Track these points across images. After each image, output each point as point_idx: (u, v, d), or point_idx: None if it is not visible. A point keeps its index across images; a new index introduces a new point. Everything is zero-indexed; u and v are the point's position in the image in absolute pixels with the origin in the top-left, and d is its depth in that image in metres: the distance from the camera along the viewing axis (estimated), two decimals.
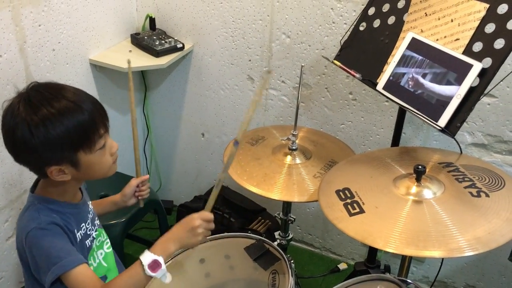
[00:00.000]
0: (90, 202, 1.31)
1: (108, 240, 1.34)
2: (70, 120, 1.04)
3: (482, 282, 2.06)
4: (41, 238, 1.09)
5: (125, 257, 2.11)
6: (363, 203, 1.23)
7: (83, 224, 1.22)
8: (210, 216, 1.18)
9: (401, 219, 1.16)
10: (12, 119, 1.04)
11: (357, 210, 1.22)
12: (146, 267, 1.07)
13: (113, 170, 1.19)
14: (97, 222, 1.31)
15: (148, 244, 2.32)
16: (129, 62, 1.40)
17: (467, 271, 2.07)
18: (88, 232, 1.24)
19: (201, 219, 1.15)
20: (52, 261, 1.07)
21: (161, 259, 1.08)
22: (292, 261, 1.41)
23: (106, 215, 1.45)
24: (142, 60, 2.02)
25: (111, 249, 1.34)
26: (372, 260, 1.89)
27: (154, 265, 1.08)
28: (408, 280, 1.17)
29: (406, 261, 1.43)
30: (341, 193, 1.29)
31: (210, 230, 1.18)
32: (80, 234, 1.19)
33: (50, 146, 1.04)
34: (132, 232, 2.36)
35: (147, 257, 1.08)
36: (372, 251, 1.88)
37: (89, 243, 1.24)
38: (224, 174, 1.20)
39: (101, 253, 1.29)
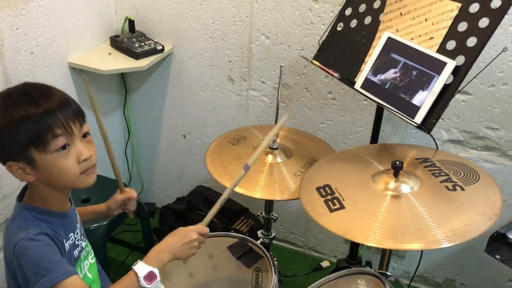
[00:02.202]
0: (76, 212, 1.29)
1: (91, 250, 1.31)
2: (19, 111, 1.01)
3: (461, 275, 2.11)
4: (29, 249, 1.05)
5: (108, 260, 2.10)
6: (343, 199, 1.26)
7: (72, 234, 1.19)
8: (207, 230, 1.19)
9: (380, 214, 1.19)
10: None
11: (338, 206, 1.24)
12: (141, 279, 1.05)
13: (86, 182, 1.12)
14: (83, 232, 1.29)
15: (131, 248, 2.33)
16: (85, 80, 1.30)
17: (446, 265, 2.11)
18: (77, 242, 1.21)
19: (198, 232, 1.16)
20: (41, 273, 1.03)
21: (156, 271, 1.07)
22: (275, 259, 1.42)
23: (87, 222, 1.43)
24: (122, 63, 2.01)
25: (94, 259, 1.31)
26: (354, 256, 1.92)
27: (150, 277, 1.06)
28: (387, 273, 1.20)
29: (386, 256, 1.46)
30: (321, 190, 1.31)
31: (202, 243, 1.19)
32: (69, 244, 1.16)
33: (1, 137, 1.03)
34: (114, 235, 2.35)
35: (142, 268, 1.06)
36: (354, 248, 1.91)
37: (77, 254, 1.21)
38: (228, 193, 1.22)
39: (87, 264, 1.26)
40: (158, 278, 1.07)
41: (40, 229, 1.08)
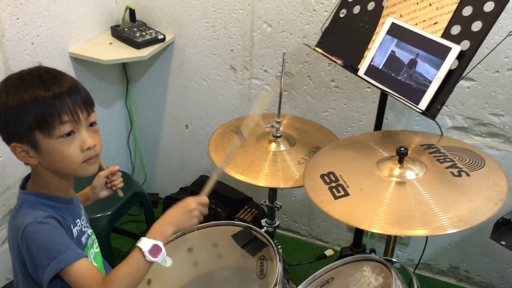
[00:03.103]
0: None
1: (96, 240, 1.32)
2: (28, 93, 1.01)
3: (465, 262, 2.11)
4: (38, 233, 1.05)
5: (112, 250, 2.11)
6: (348, 186, 1.25)
7: (78, 220, 1.19)
8: (206, 200, 1.18)
9: (385, 200, 1.18)
10: None
11: (342, 193, 1.23)
12: (146, 253, 1.04)
13: (87, 171, 1.11)
14: (88, 219, 1.29)
15: (135, 238, 2.33)
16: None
17: (450, 252, 2.11)
18: (83, 229, 1.21)
19: (197, 202, 1.15)
20: (51, 256, 1.02)
21: (160, 244, 1.06)
22: (279, 247, 1.42)
23: (91, 213, 1.43)
24: (123, 52, 2.00)
25: (98, 249, 1.31)
26: (358, 244, 1.92)
27: (155, 250, 1.05)
28: (393, 259, 1.20)
29: (390, 243, 1.46)
30: (325, 177, 1.30)
31: (204, 214, 1.18)
32: (76, 230, 1.16)
33: (8, 116, 1.03)
34: (118, 225, 2.35)
35: (146, 243, 1.06)
36: (358, 236, 1.91)
37: (85, 240, 1.21)
38: (225, 162, 1.20)
39: (92, 253, 1.27)
40: (163, 251, 1.07)
41: (48, 213, 1.08)
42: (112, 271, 1.08)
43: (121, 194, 1.41)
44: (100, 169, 1.32)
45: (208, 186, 1.22)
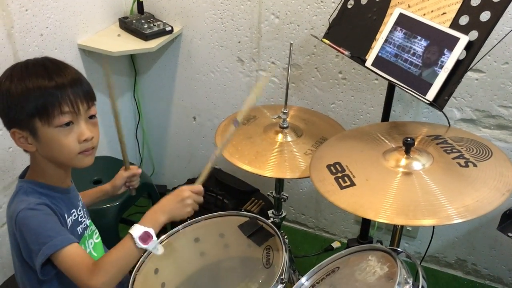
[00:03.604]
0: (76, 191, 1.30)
1: (96, 230, 1.33)
2: (32, 82, 1.04)
3: (473, 255, 2.10)
4: (30, 218, 1.06)
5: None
6: (354, 176, 1.25)
7: (74, 210, 1.20)
8: (200, 188, 1.19)
9: (391, 191, 1.18)
10: None
11: (348, 183, 1.23)
12: (137, 240, 1.04)
13: (82, 162, 1.13)
14: (86, 210, 1.30)
15: None
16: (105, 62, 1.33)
17: (458, 245, 2.11)
18: (80, 219, 1.23)
19: (190, 190, 1.16)
20: (42, 241, 1.04)
21: (151, 231, 1.07)
22: (286, 237, 1.43)
23: (98, 204, 1.46)
24: (131, 44, 2.01)
25: (99, 239, 1.33)
26: (365, 236, 1.92)
27: (145, 237, 1.06)
28: (398, 249, 1.20)
29: (396, 235, 1.46)
30: (332, 167, 1.30)
31: (199, 202, 1.19)
32: (71, 219, 1.18)
33: (11, 102, 1.05)
34: (126, 216, 2.36)
35: (137, 229, 1.06)
36: (365, 228, 1.91)
37: (81, 231, 1.23)
38: (221, 150, 1.20)
39: (91, 243, 1.28)
40: (154, 238, 1.07)
41: (41, 200, 1.09)
42: (101, 257, 1.09)
43: (134, 193, 1.47)
44: (117, 169, 1.40)
45: (203, 174, 1.22)
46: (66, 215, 1.16)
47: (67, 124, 1.07)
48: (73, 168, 1.18)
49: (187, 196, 1.15)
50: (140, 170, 1.42)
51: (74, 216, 1.20)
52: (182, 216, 1.16)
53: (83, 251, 1.11)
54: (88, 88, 1.12)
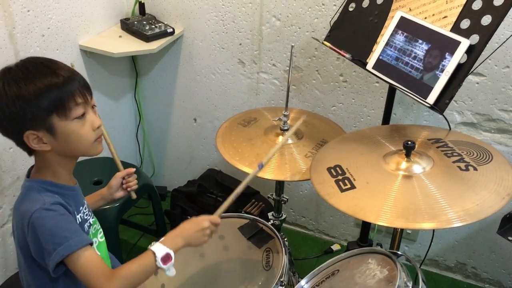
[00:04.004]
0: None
1: (101, 229, 1.33)
2: (42, 81, 1.05)
3: (473, 259, 2.10)
4: (46, 219, 1.07)
5: (120, 242, 2.13)
6: (354, 179, 1.25)
7: (81, 207, 1.22)
8: (219, 221, 1.24)
9: (391, 194, 1.18)
10: None
11: (348, 186, 1.24)
12: (158, 259, 1.09)
13: (97, 150, 1.17)
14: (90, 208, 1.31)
15: (143, 230, 2.35)
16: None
17: (458, 248, 2.11)
18: (85, 217, 1.23)
19: (211, 222, 1.20)
20: (58, 241, 1.05)
21: (172, 253, 1.11)
22: (285, 239, 1.43)
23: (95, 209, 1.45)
24: (133, 45, 2.01)
25: (103, 238, 1.33)
26: (365, 239, 1.92)
27: (166, 258, 1.10)
28: (398, 252, 1.20)
29: (397, 237, 1.46)
30: (332, 170, 1.30)
31: (215, 233, 1.23)
32: (80, 217, 1.19)
33: (23, 105, 1.04)
34: (126, 217, 2.37)
35: (160, 249, 1.11)
36: (364, 231, 1.91)
37: (87, 228, 1.23)
38: (243, 187, 1.28)
39: (96, 241, 1.28)
40: (173, 261, 1.11)
41: (54, 199, 1.10)
42: (122, 266, 1.12)
43: (134, 196, 1.46)
44: (117, 170, 1.42)
45: (223, 207, 1.27)
46: (76, 213, 1.17)
47: (82, 115, 1.10)
48: (89, 157, 1.21)
49: (207, 227, 1.19)
50: (133, 169, 1.43)
51: (82, 213, 1.21)
52: (198, 244, 1.21)
53: (96, 254, 1.12)
54: (84, 79, 1.15)
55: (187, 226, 1.19)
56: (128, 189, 1.44)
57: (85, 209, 1.24)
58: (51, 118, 1.07)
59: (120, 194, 1.44)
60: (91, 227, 1.27)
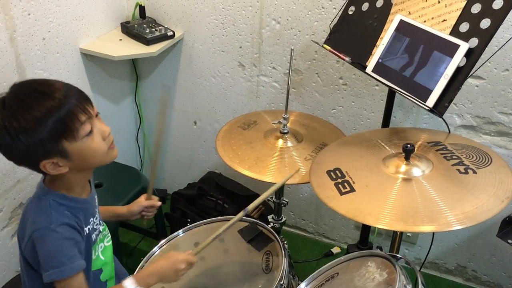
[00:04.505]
0: (96, 196, 1.31)
1: (109, 234, 1.34)
2: (39, 109, 1.01)
3: (473, 262, 2.10)
4: (48, 239, 1.09)
5: (121, 245, 2.13)
6: (354, 182, 1.25)
7: (92, 219, 1.22)
8: (194, 261, 1.26)
9: (391, 197, 1.18)
10: None
11: (348, 189, 1.24)
12: None
13: (113, 155, 1.17)
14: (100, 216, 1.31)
15: (143, 233, 2.35)
16: (163, 91, 1.34)
17: (458, 251, 2.10)
18: (95, 227, 1.24)
19: (187, 263, 1.23)
20: (53, 264, 1.09)
21: None
22: (285, 242, 1.43)
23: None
24: (133, 49, 2.02)
25: (110, 242, 1.34)
26: (364, 242, 1.92)
27: None
28: (398, 255, 1.20)
29: (396, 241, 1.46)
30: (332, 173, 1.31)
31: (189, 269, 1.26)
32: (88, 228, 1.20)
33: (28, 139, 1.02)
34: (126, 220, 2.37)
35: (131, 286, 1.15)
36: (364, 234, 1.91)
37: (95, 237, 1.24)
38: (221, 233, 1.30)
39: (101, 247, 1.29)
40: None
41: (62, 219, 1.11)
42: None
43: (146, 224, 1.48)
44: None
45: (203, 245, 1.29)
46: (84, 225, 1.18)
47: (90, 131, 1.09)
48: (106, 165, 1.20)
49: (182, 268, 1.22)
50: (160, 203, 1.44)
51: (91, 224, 1.21)
52: (173, 281, 1.25)
53: (83, 280, 1.15)
54: (81, 91, 1.11)
55: (163, 265, 1.21)
56: (145, 217, 1.44)
57: (95, 219, 1.24)
58: (61, 143, 1.05)
59: (136, 217, 1.45)
60: (100, 234, 1.27)
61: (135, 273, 1.25)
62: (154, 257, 1.44)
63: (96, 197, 1.29)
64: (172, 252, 1.25)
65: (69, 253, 1.11)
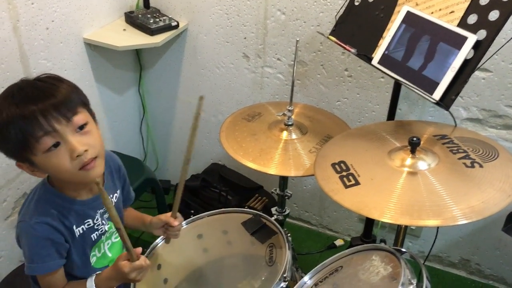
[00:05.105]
0: (116, 193, 1.29)
1: (116, 232, 1.32)
2: (6, 114, 0.98)
3: (477, 255, 2.09)
4: (24, 234, 1.12)
5: None
6: (359, 176, 1.24)
7: (89, 220, 1.20)
8: (141, 264, 1.13)
9: (396, 190, 1.17)
10: None
11: (353, 182, 1.23)
12: None
13: (88, 177, 1.05)
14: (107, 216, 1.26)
15: None
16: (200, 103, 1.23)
17: (462, 245, 2.10)
18: (96, 227, 1.22)
19: (130, 269, 1.11)
20: (26, 259, 1.14)
21: None
22: (289, 235, 1.42)
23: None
24: (137, 39, 2.00)
25: (118, 238, 1.31)
26: (368, 235, 1.91)
27: None
28: (402, 249, 1.19)
29: (400, 234, 1.45)
30: (336, 166, 1.30)
31: (146, 271, 1.16)
32: (82, 229, 1.19)
33: (3, 147, 1.04)
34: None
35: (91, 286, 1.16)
36: (368, 226, 1.90)
37: (96, 237, 1.23)
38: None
39: (108, 243, 1.29)
40: None
41: (44, 217, 1.10)
42: None
43: (167, 242, 1.41)
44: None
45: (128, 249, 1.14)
46: (74, 226, 1.16)
47: (55, 145, 1.00)
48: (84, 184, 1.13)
49: (133, 277, 1.12)
50: (177, 223, 1.32)
51: (88, 225, 1.20)
52: (135, 281, 1.17)
53: (56, 279, 1.17)
54: (62, 100, 1.01)
55: (116, 276, 1.14)
56: (166, 235, 1.38)
57: (96, 220, 1.22)
58: (25, 153, 1.01)
59: (159, 232, 1.37)
60: (106, 232, 1.26)
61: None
62: (157, 249, 1.43)
63: (115, 195, 1.28)
64: (120, 264, 1.11)
65: (42, 252, 1.11)
